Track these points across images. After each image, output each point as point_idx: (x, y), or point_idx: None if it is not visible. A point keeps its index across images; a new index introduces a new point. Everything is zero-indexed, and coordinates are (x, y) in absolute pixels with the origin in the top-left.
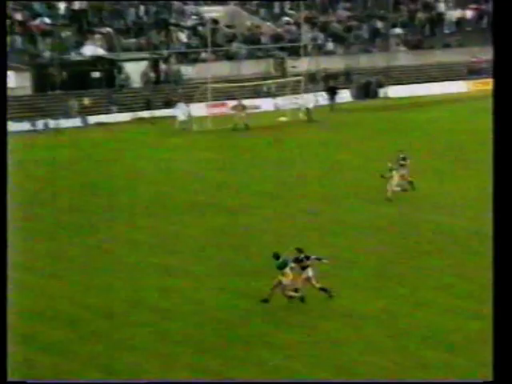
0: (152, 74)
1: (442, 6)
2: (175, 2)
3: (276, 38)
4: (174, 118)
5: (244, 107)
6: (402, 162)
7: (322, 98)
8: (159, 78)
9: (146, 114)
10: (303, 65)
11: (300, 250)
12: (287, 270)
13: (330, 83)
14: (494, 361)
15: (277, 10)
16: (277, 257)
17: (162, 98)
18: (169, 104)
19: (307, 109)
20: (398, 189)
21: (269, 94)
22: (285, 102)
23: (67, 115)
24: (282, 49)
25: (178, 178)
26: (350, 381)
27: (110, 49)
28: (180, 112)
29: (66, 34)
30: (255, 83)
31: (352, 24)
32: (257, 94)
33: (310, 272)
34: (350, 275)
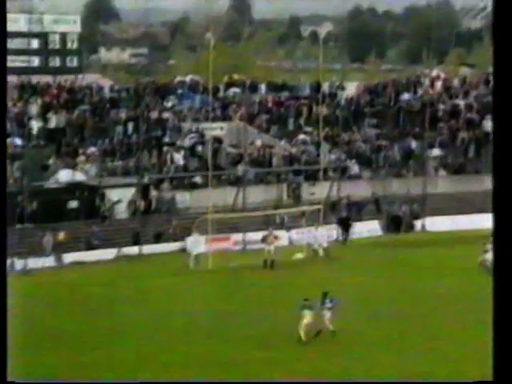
0: (141, 203)
1: (488, 125)
2: (170, 119)
3: (290, 159)
4: (168, 254)
5: (276, 237)
6: (328, 305)
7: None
8: (149, 208)
9: (133, 250)
10: (323, 191)
11: None
12: None
13: (344, 214)
14: (494, 361)
15: (291, 126)
16: None
17: (153, 231)
18: (160, 238)
19: (323, 246)
20: (301, 332)
21: (282, 226)
22: (301, 235)
23: (38, 253)
24: (297, 172)
25: (172, 329)
26: (350, 381)
27: (91, 173)
28: (194, 245)
29: (39, 156)
30: (265, 213)
31: (381, 143)
32: (267, 225)
33: None
34: None
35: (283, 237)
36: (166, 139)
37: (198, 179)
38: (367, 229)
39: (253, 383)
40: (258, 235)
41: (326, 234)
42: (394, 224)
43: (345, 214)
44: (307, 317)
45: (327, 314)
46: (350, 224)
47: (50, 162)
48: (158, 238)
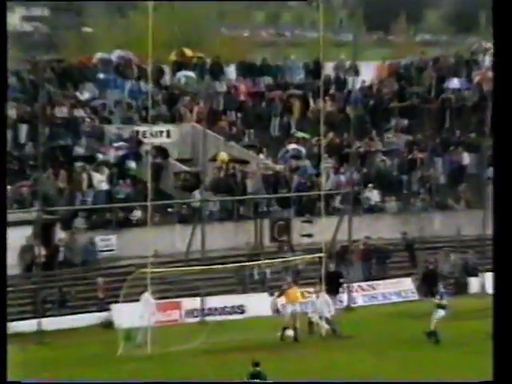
0: (41, 251)
1: None
2: (87, 119)
3: (275, 182)
4: (85, 331)
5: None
6: None
7: (362, 296)
8: (55, 258)
9: (28, 325)
10: (325, 231)
11: None
12: None
13: (332, 267)
14: (493, 361)
15: (276, 131)
16: None
17: (60, 294)
18: (65, 304)
19: (326, 317)
20: None
21: (262, 286)
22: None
23: None
24: (285, 202)
25: None
26: (350, 381)
27: None
28: (125, 316)
29: None
30: (236, 265)
31: (415, 157)
32: (239, 285)
33: None
34: None
35: (262, 303)
36: (80, 151)
37: (131, 213)
38: (395, 290)
39: (252, 383)
40: (224, 300)
41: (330, 299)
42: (436, 283)
43: (334, 267)
44: None
45: None
46: (342, 283)
47: None
48: (62, 305)
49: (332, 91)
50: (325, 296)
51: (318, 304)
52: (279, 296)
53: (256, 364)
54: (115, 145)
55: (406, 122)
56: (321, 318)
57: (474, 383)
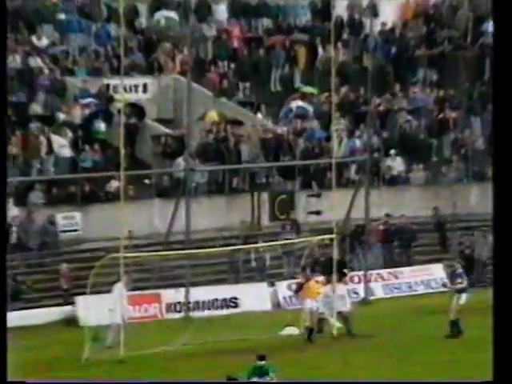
0: None
1: None
2: (45, 70)
3: (276, 147)
4: (42, 329)
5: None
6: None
7: (382, 286)
8: (4, 239)
9: None
10: (337, 208)
11: None
12: None
13: (336, 254)
14: (494, 361)
15: (276, 85)
16: None
17: (13, 285)
18: (18, 297)
19: (341, 312)
20: None
21: (260, 275)
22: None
23: None
24: (288, 172)
25: None
26: (350, 381)
27: None
28: (94, 311)
29: None
30: (227, 249)
31: (447, 117)
32: (232, 273)
33: None
34: None
35: (257, 294)
36: (38, 109)
37: (101, 186)
38: (422, 279)
39: (251, 383)
40: (213, 291)
41: (345, 289)
42: (472, 270)
43: (348, 250)
44: None
45: None
46: (345, 274)
47: None
48: (20, 299)
49: (345, 36)
50: (341, 288)
51: (332, 297)
52: (297, 291)
53: (261, 357)
54: (80, 102)
55: (435, 73)
56: (332, 312)
57: (473, 383)
